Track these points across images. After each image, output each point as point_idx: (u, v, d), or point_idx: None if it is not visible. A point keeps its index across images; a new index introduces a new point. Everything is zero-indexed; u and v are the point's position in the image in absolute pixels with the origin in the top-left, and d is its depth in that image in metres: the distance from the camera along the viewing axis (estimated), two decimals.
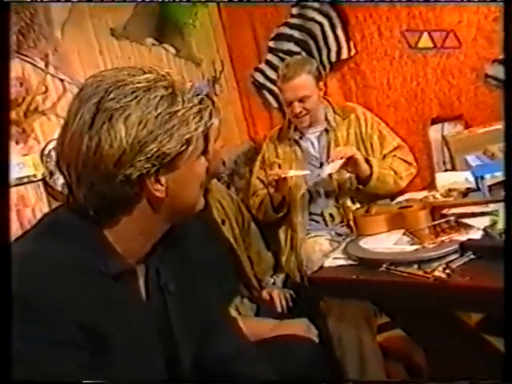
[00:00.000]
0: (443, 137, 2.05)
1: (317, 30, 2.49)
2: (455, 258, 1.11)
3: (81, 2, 2.52)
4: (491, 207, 1.32)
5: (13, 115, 2.07)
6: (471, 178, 1.56)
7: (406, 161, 1.92)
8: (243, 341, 1.02)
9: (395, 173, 1.86)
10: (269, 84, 2.70)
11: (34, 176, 2.09)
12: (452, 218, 1.32)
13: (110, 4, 2.40)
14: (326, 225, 1.94)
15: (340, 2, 2.39)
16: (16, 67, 2.10)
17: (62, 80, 2.25)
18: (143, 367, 0.78)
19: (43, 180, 2.10)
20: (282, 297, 1.72)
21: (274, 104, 2.73)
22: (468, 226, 1.25)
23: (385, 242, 1.32)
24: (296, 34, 2.54)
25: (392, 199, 1.79)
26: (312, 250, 1.85)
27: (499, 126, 1.60)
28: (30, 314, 0.67)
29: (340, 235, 1.85)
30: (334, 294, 1.30)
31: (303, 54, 2.54)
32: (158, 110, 0.71)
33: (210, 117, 0.77)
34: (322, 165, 1.93)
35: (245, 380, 0.94)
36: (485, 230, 1.21)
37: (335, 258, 1.33)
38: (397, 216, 1.40)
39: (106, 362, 0.73)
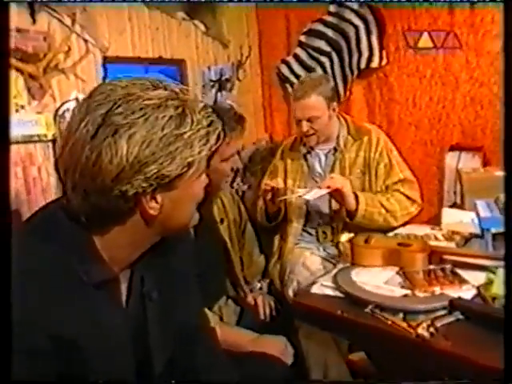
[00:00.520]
0: (457, 170, 2.00)
1: (351, 32, 2.41)
2: (442, 315, 1.10)
3: None
4: (491, 262, 1.29)
5: (32, 69, 2.05)
6: (477, 220, 1.53)
7: (409, 197, 1.83)
8: (218, 353, 1.02)
9: (387, 211, 1.78)
10: (293, 78, 2.64)
11: (45, 136, 2.07)
12: (448, 266, 1.31)
13: None
14: (318, 240, 1.93)
15: (385, 2, 2.31)
16: (41, 21, 2.06)
17: (86, 41, 2.21)
18: (114, 372, 0.78)
19: (53, 141, 2.09)
20: (266, 304, 1.72)
21: None
22: (463, 280, 1.24)
23: (376, 278, 1.31)
24: (329, 32, 2.47)
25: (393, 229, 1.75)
26: (296, 261, 1.85)
27: None
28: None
29: (332, 257, 1.84)
30: (315, 324, 1.30)
31: (333, 54, 2.47)
32: (164, 131, 0.69)
33: (217, 140, 0.75)
34: None
35: None
36: (478, 289, 1.19)
37: (323, 286, 1.33)
38: (394, 252, 1.39)
39: (77, 370, 0.73)
